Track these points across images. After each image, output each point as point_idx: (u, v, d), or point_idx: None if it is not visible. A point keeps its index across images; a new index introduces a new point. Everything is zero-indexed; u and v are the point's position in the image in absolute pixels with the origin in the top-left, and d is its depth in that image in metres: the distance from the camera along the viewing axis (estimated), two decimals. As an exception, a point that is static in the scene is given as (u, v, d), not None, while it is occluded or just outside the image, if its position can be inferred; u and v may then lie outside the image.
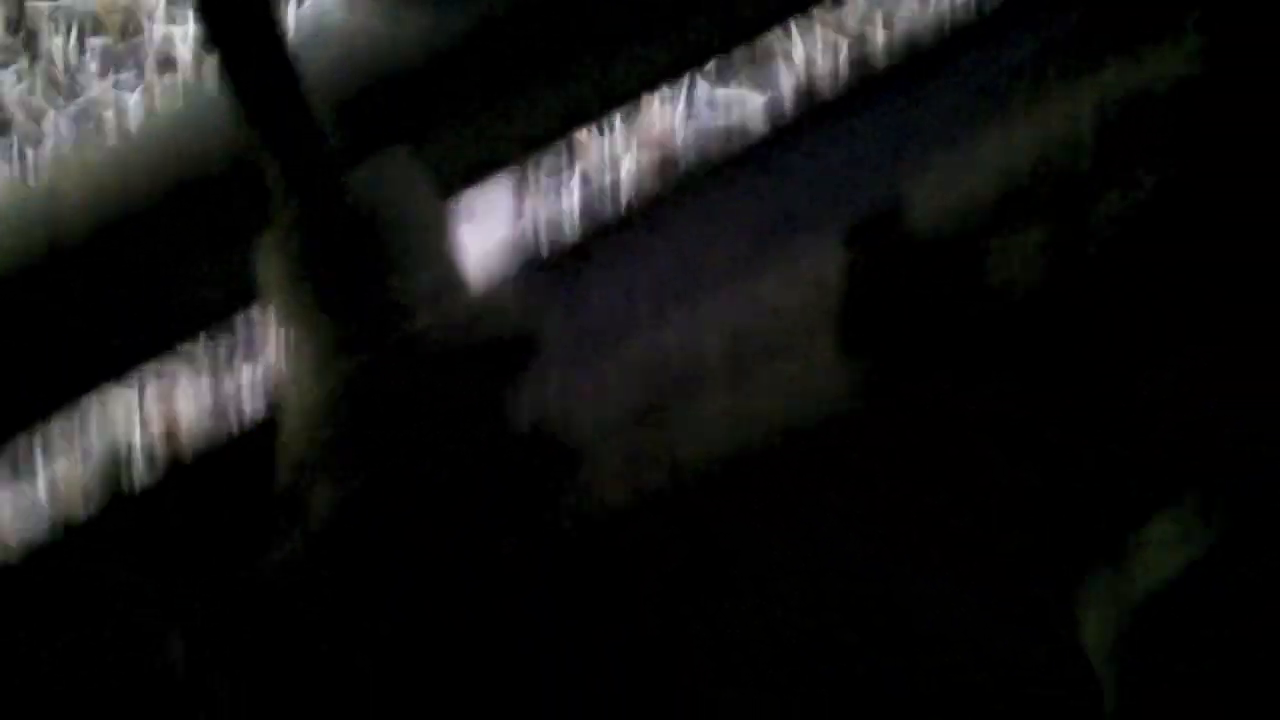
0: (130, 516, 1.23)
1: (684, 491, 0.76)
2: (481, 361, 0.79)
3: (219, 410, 1.95)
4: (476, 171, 1.19)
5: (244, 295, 1.20)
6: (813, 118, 1.20)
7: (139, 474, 1.88)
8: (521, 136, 1.18)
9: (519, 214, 2.24)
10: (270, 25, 0.80)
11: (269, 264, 0.80)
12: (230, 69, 0.80)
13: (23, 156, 2.36)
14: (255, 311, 1.97)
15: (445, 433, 0.78)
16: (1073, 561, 0.58)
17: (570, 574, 0.78)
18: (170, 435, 1.95)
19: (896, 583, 0.73)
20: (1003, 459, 0.72)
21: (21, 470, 1.96)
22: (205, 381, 2.00)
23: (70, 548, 1.20)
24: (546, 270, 0.86)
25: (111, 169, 1.10)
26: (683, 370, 0.80)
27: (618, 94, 1.18)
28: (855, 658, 0.73)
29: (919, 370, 0.75)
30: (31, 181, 1.19)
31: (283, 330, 0.83)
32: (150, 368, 1.91)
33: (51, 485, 1.95)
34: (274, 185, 0.81)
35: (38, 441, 1.99)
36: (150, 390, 2.00)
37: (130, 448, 1.96)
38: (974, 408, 0.73)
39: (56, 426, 1.91)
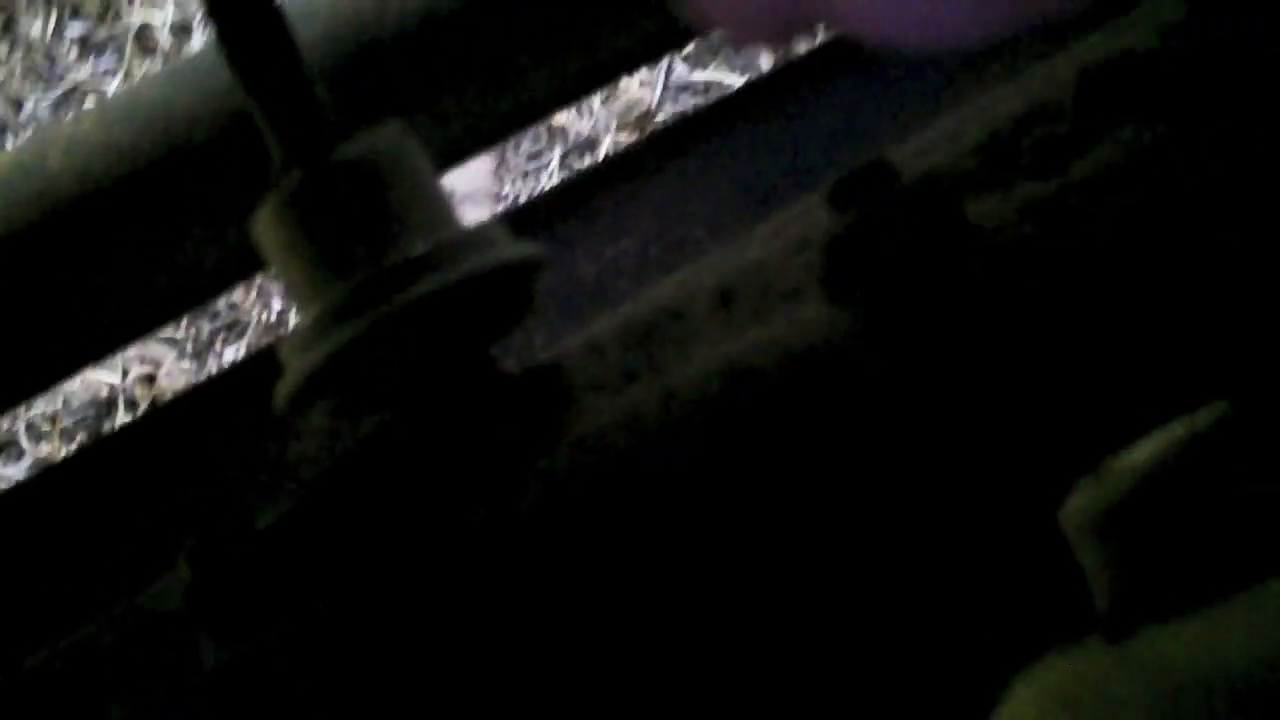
0: (112, 462, 1.25)
1: (678, 432, 0.78)
2: (476, 314, 0.80)
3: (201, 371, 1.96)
4: (461, 147, 1.21)
5: (233, 268, 1.21)
6: (793, 89, 1.21)
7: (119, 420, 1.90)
8: (506, 113, 1.20)
9: (499, 196, 2.25)
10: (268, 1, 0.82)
11: (271, 231, 0.81)
12: (229, 41, 0.81)
13: (0, 145, 2.36)
14: (241, 287, 1.97)
15: (440, 380, 0.80)
16: (1057, 482, 0.60)
17: (560, 520, 0.79)
18: (151, 381, 1.96)
19: (886, 516, 0.75)
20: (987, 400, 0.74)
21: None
22: (189, 363, 2.01)
23: (53, 491, 1.21)
24: (529, 233, 0.87)
25: (98, 135, 1.11)
26: (671, 322, 0.82)
27: (600, 72, 1.19)
28: (846, 579, 0.75)
29: (907, 321, 0.77)
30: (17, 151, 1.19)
31: (286, 296, 0.84)
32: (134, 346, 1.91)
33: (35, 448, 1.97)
34: (274, 154, 0.82)
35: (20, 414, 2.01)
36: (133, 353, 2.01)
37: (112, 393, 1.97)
38: (959, 356, 0.75)
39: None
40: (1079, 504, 0.57)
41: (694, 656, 0.78)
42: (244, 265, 1.19)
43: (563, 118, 2.31)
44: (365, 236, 0.78)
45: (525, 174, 2.31)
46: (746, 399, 0.75)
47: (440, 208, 0.80)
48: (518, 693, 0.81)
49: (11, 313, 1.15)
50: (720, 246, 0.91)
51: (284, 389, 0.80)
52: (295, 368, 0.79)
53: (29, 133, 2.41)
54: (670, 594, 0.78)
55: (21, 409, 1.96)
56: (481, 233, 0.79)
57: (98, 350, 1.23)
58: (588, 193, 1.13)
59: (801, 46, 1.23)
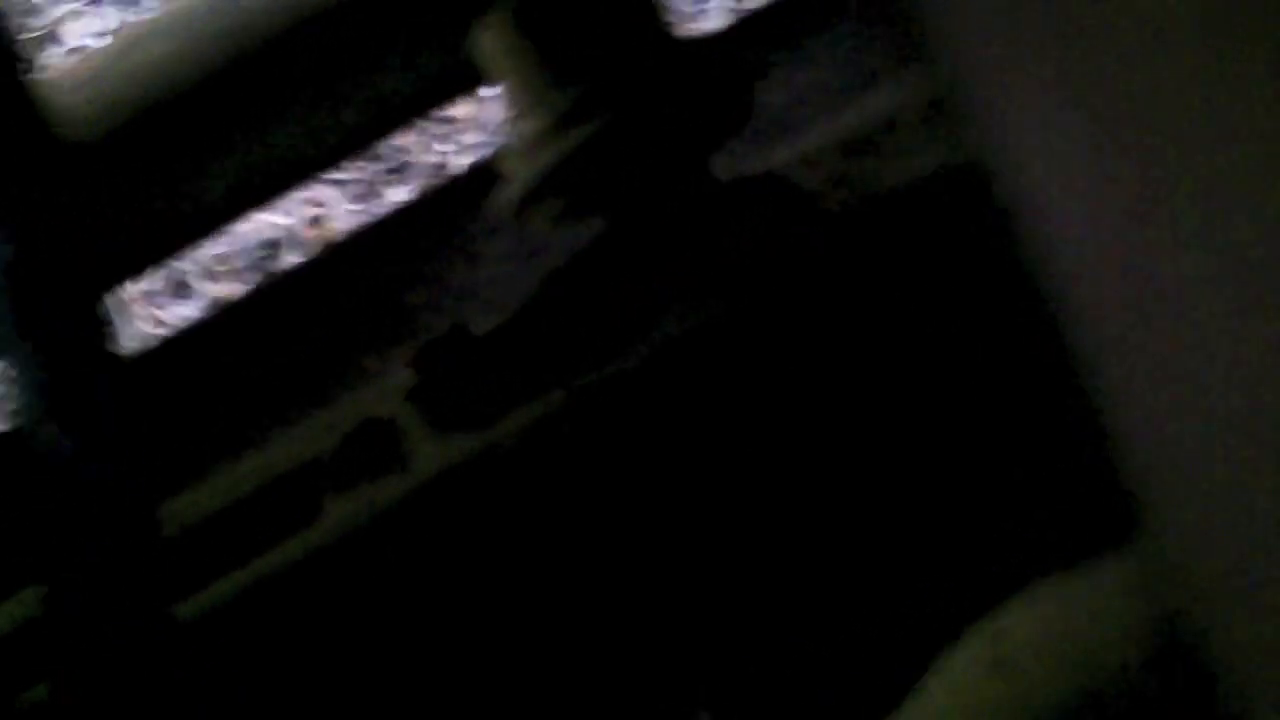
0: (288, 299, 1.29)
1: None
2: (699, 113, 0.83)
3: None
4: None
5: (426, 96, 1.23)
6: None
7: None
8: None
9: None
10: None
11: (494, 46, 0.84)
12: None
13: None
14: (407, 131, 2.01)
15: (663, 186, 0.83)
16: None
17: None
18: (318, 222, 2.00)
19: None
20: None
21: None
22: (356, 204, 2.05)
23: (231, 327, 1.26)
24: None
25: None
26: (884, 134, 0.84)
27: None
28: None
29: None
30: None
31: (511, 107, 0.88)
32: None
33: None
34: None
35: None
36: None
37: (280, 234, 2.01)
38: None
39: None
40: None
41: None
42: (435, 92, 1.21)
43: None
44: (591, 45, 0.81)
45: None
46: (959, 199, 0.78)
47: (662, 17, 0.83)
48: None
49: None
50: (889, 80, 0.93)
51: (511, 192, 0.83)
52: (524, 171, 0.82)
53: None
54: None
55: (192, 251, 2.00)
56: (704, 41, 0.82)
57: (249, 204, 1.23)
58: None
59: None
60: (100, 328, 0.79)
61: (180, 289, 2.06)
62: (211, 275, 2.06)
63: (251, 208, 1.19)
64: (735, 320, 0.85)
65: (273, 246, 2.06)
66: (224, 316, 1.49)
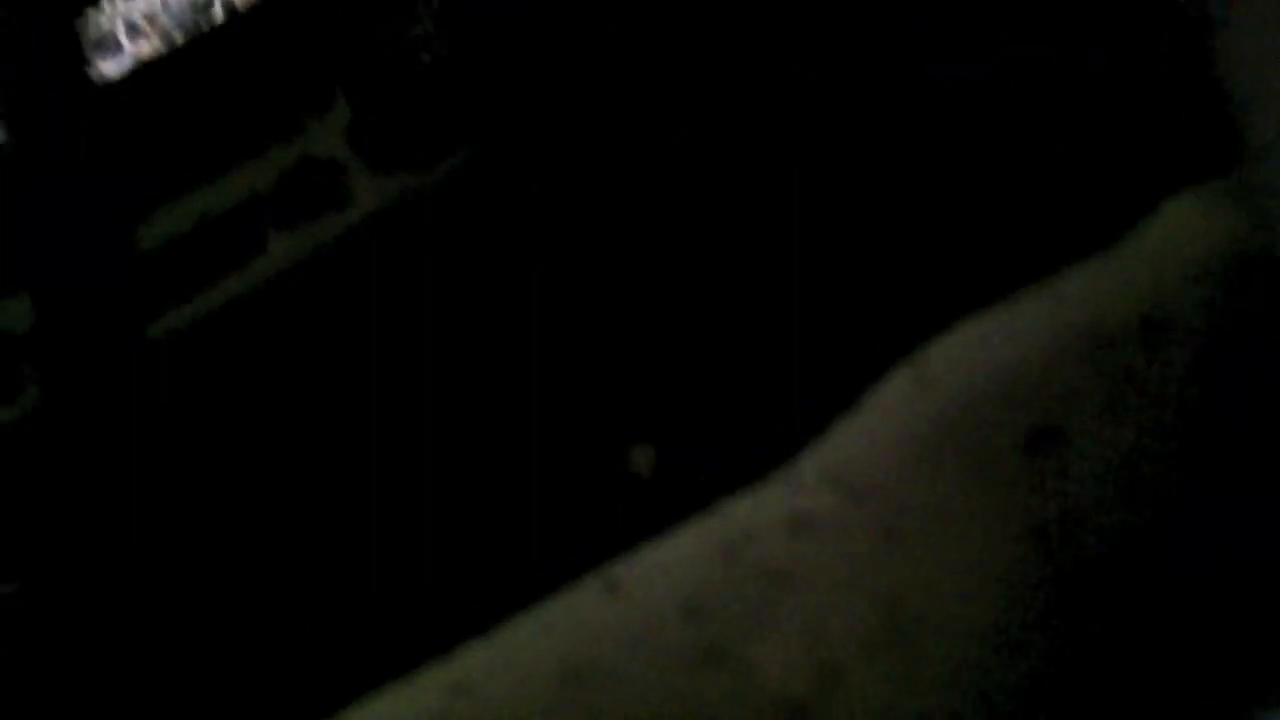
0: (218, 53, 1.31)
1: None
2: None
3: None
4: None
5: None
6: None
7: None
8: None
9: None
10: None
11: None
12: None
13: None
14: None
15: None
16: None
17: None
18: None
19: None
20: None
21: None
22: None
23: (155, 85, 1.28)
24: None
25: None
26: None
27: None
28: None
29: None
30: None
31: None
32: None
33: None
34: None
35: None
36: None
37: None
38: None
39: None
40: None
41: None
42: None
43: None
44: None
45: None
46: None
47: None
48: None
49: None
50: None
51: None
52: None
53: None
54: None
55: (120, 5, 2.00)
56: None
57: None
58: None
59: None
60: (75, 46, 0.80)
61: (106, 44, 2.05)
62: (137, 32, 2.06)
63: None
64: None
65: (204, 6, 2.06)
66: (151, 71, 1.50)
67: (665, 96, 0.87)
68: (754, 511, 0.73)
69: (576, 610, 0.86)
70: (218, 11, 2.00)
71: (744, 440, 0.85)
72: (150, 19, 2.06)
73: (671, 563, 0.79)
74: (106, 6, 1.33)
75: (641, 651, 0.80)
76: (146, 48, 2.04)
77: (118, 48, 2.06)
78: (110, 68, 2.02)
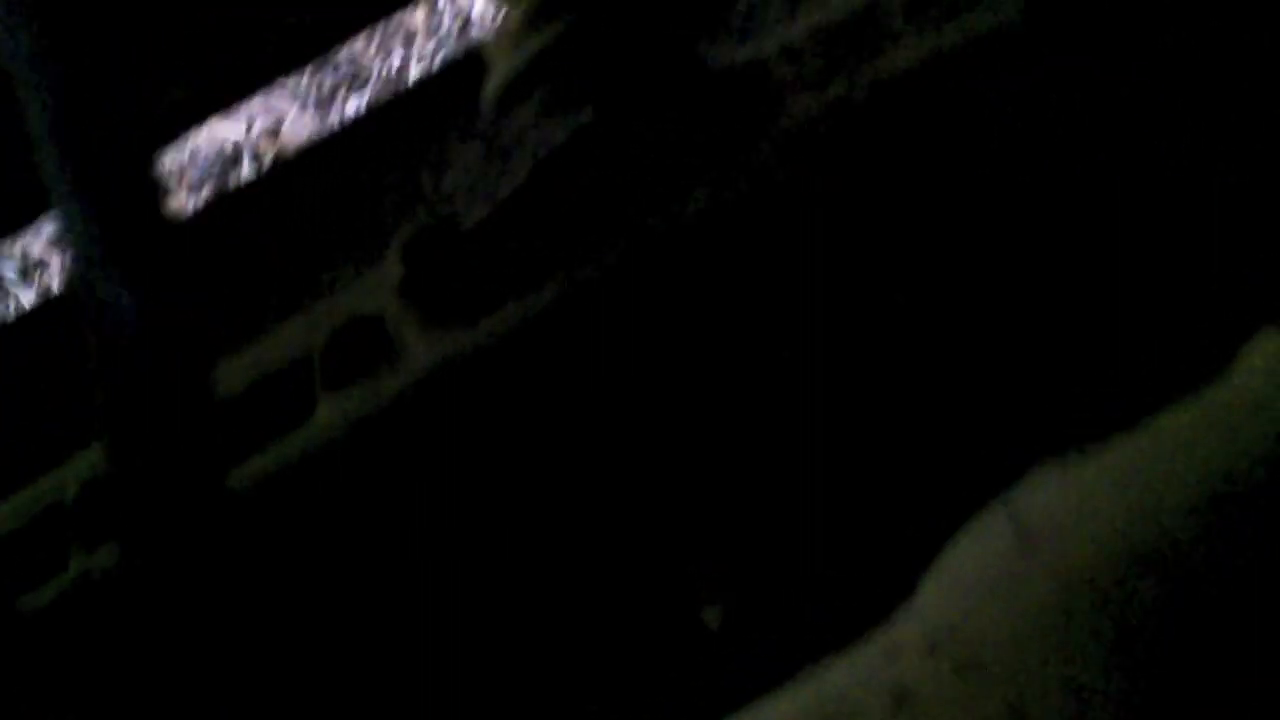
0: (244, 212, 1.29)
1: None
2: (682, 12, 0.84)
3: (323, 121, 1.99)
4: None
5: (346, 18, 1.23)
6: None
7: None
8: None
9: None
10: None
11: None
12: None
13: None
14: (362, 38, 2.00)
15: (651, 77, 0.84)
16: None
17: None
18: (275, 135, 1.99)
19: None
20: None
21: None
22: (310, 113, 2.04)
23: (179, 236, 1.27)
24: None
25: None
26: (865, 25, 0.85)
27: None
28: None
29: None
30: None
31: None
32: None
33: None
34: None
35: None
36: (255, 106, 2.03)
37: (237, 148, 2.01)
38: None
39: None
40: None
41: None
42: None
43: None
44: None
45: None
46: (951, 87, 0.79)
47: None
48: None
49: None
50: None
51: (495, 83, 0.84)
52: (507, 62, 0.83)
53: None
54: (874, 280, 0.83)
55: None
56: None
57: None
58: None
59: None
60: (156, 184, 0.79)
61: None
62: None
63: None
64: (721, 211, 0.86)
65: (231, 160, 2.05)
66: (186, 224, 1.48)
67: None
68: (851, 682, 0.68)
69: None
70: (246, 167, 1.99)
71: (830, 596, 0.82)
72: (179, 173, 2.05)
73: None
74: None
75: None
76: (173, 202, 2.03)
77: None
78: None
